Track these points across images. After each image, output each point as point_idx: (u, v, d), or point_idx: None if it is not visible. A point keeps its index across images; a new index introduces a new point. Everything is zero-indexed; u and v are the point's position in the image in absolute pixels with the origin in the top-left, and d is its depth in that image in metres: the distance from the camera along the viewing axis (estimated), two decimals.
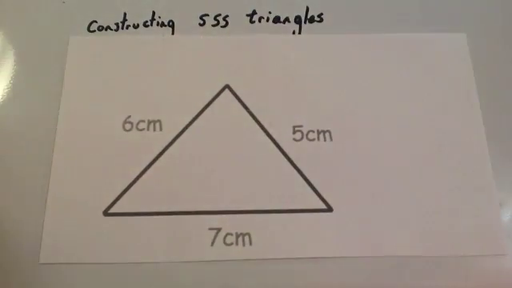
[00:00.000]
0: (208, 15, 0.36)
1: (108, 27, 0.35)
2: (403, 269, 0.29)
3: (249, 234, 0.29)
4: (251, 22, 0.36)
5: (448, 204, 0.30)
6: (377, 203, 0.30)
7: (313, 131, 0.32)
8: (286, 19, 0.36)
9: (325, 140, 0.32)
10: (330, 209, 0.30)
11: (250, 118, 0.32)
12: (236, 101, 0.33)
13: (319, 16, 0.36)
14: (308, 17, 0.36)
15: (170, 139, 0.32)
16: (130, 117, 0.32)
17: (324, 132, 0.32)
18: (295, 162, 0.31)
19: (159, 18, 0.35)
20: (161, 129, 0.32)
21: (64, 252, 0.29)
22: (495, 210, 0.30)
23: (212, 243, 0.29)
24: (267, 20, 0.36)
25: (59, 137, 0.31)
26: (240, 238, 0.29)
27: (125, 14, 0.36)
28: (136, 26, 0.35)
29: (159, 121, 0.32)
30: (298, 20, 0.36)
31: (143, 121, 0.32)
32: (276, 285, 0.29)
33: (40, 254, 0.29)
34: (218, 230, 0.29)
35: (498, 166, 0.31)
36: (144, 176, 0.31)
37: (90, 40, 0.35)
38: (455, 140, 0.32)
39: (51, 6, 0.36)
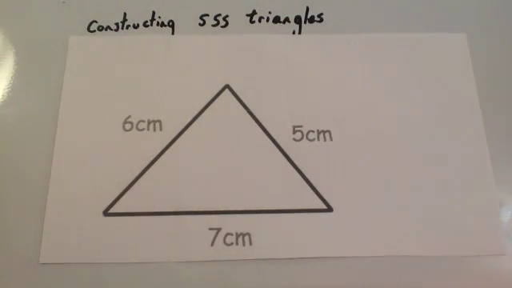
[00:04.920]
0: (208, 15, 0.36)
1: (108, 27, 0.35)
2: (403, 269, 0.29)
3: (249, 234, 0.29)
4: (251, 22, 0.36)
5: (448, 204, 0.30)
6: (377, 203, 0.30)
7: (313, 131, 0.32)
8: (286, 19, 0.36)
9: (325, 140, 0.32)
10: (330, 209, 0.30)
11: (250, 118, 0.32)
12: (236, 101, 0.33)
13: (319, 16, 0.36)
14: (308, 17, 0.36)
15: (170, 139, 0.32)
16: (129, 117, 0.32)
17: (324, 132, 0.32)
18: (295, 162, 0.31)
19: (159, 18, 0.35)
20: (161, 129, 0.32)
21: (64, 252, 0.29)
22: (495, 210, 0.30)
23: (212, 243, 0.29)
24: (267, 20, 0.36)
25: (59, 137, 0.31)
26: (240, 238, 0.29)
27: (125, 14, 0.36)
28: (136, 26, 0.35)
29: (159, 121, 0.32)
30: (297, 20, 0.36)
31: (143, 121, 0.32)
32: (276, 285, 0.29)
33: (40, 254, 0.29)
34: (218, 230, 0.29)
35: (498, 165, 0.31)
36: (144, 176, 0.31)
37: (90, 40, 0.35)
38: (455, 140, 0.32)
39: (51, 6, 0.36)
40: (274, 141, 0.32)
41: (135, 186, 0.30)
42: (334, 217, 0.30)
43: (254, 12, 0.36)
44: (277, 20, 0.36)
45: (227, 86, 0.33)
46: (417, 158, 0.31)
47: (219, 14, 0.36)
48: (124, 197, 0.30)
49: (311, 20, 0.36)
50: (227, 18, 0.36)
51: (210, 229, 0.29)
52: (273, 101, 0.33)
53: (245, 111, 0.32)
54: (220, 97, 0.33)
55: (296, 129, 0.32)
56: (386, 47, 0.35)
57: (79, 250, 0.29)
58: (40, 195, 0.30)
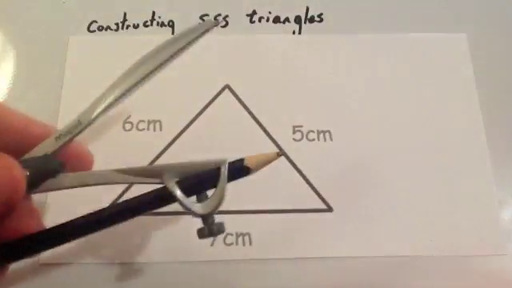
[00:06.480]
0: (208, 15, 0.36)
1: (108, 27, 0.35)
2: (403, 269, 0.29)
3: (249, 234, 0.29)
4: (251, 21, 0.36)
5: (448, 204, 0.30)
6: (377, 203, 0.30)
7: (313, 131, 0.32)
8: (286, 19, 0.36)
9: (325, 140, 0.32)
10: (330, 209, 0.30)
11: (250, 117, 0.32)
12: (236, 101, 0.33)
13: (319, 16, 0.36)
14: (308, 17, 0.36)
15: (170, 139, 0.32)
16: (129, 117, 0.32)
17: (324, 132, 0.32)
18: (295, 162, 0.31)
19: (159, 18, 0.35)
20: (161, 129, 0.32)
21: (64, 252, 0.29)
22: (495, 210, 0.30)
23: (212, 243, 0.29)
24: (267, 20, 0.36)
25: None
26: (240, 238, 0.29)
27: (125, 14, 0.36)
28: (136, 26, 0.35)
29: (159, 121, 0.32)
30: (297, 20, 0.36)
31: (143, 121, 0.32)
32: (276, 285, 0.29)
33: (40, 253, 0.29)
34: None
35: (498, 166, 0.31)
36: None
37: (90, 40, 0.35)
38: (455, 140, 0.32)
39: (51, 6, 0.36)
40: (274, 141, 0.32)
41: (135, 185, 0.30)
42: (334, 217, 0.30)
43: (254, 12, 0.36)
44: (277, 20, 0.36)
45: (227, 86, 0.33)
46: (417, 158, 0.31)
47: (219, 14, 0.36)
48: (124, 197, 0.30)
49: (311, 20, 0.36)
50: (227, 18, 0.36)
51: None
52: (273, 101, 0.33)
53: (245, 111, 0.32)
54: (220, 97, 0.33)
55: (296, 129, 0.32)
56: (385, 47, 0.35)
57: (79, 250, 0.29)
58: (40, 195, 0.30)
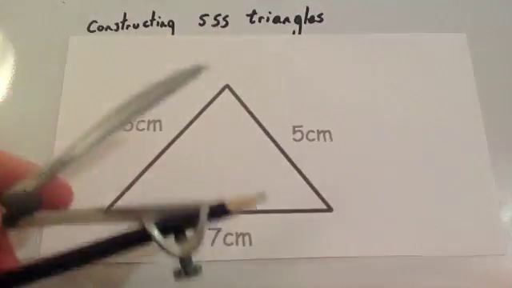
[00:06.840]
0: (208, 15, 0.36)
1: (108, 27, 0.35)
2: (403, 269, 0.29)
3: (249, 234, 0.29)
4: (251, 22, 0.36)
5: (448, 204, 0.30)
6: (377, 203, 0.30)
7: (313, 131, 0.32)
8: (286, 19, 0.36)
9: (325, 140, 0.32)
10: (330, 209, 0.30)
11: (250, 117, 0.32)
12: (236, 101, 0.33)
13: (319, 16, 0.36)
14: (308, 17, 0.36)
15: (170, 139, 0.32)
16: None
17: (324, 132, 0.32)
18: (295, 162, 0.31)
19: (159, 18, 0.35)
20: (161, 129, 0.32)
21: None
22: (495, 210, 0.30)
23: (212, 243, 0.29)
24: (267, 20, 0.36)
25: (59, 137, 0.31)
26: (240, 238, 0.29)
27: (125, 14, 0.36)
28: (136, 26, 0.35)
29: (159, 121, 0.32)
30: (297, 20, 0.36)
31: (143, 121, 0.32)
32: (276, 285, 0.29)
33: (40, 253, 0.29)
34: (218, 230, 0.29)
35: (498, 165, 0.31)
36: (144, 176, 0.31)
37: (90, 40, 0.35)
38: (455, 140, 0.32)
39: (51, 6, 0.36)
40: (274, 141, 0.32)
41: (135, 185, 0.30)
42: (334, 217, 0.30)
43: (254, 12, 0.36)
44: (277, 20, 0.36)
45: (227, 86, 0.33)
46: (417, 158, 0.31)
47: (219, 14, 0.36)
48: (124, 197, 0.30)
49: (311, 20, 0.36)
50: (227, 18, 0.36)
51: (210, 229, 0.29)
52: (273, 101, 0.33)
53: (245, 111, 0.32)
54: (220, 97, 0.33)
55: (296, 129, 0.32)
56: (385, 47, 0.35)
57: None
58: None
